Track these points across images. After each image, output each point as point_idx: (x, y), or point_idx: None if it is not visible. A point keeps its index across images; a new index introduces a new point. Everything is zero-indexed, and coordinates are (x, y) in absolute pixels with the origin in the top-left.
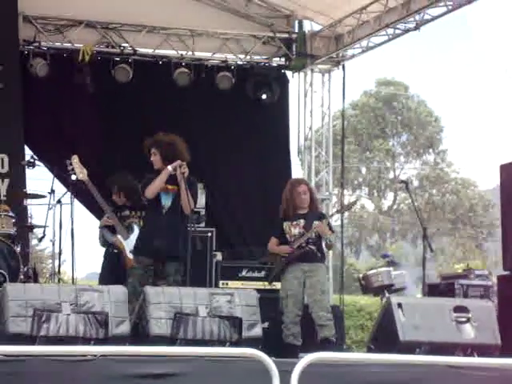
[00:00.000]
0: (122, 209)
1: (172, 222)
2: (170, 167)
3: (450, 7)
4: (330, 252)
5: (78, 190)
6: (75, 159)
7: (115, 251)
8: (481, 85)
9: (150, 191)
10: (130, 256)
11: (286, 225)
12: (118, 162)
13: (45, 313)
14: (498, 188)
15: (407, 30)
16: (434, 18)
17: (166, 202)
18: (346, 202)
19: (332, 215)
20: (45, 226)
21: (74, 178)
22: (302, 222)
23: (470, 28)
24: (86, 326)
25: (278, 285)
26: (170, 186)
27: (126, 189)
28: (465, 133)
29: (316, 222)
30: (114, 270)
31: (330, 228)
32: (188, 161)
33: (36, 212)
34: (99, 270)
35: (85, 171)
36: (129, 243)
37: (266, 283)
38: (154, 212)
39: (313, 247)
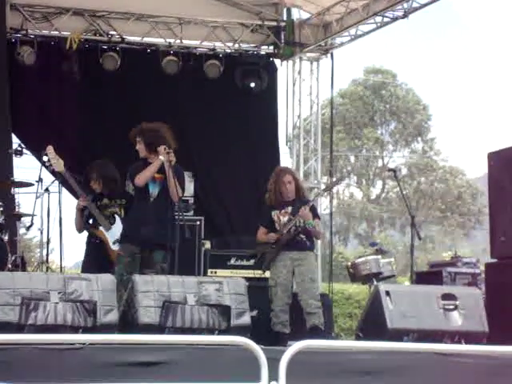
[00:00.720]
0: (101, 198)
1: (159, 211)
2: (161, 157)
3: None
4: (319, 240)
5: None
6: (50, 150)
7: (97, 242)
8: (469, 72)
9: (142, 180)
10: (114, 247)
11: (274, 213)
12: (105, 150)
13: (33, 301)
14: (485, 176)
15: (395, 18)
16: (422, 6)
17: (153, 190)
18: (334, 189)
19: (319, 194)
20: (33, 215)
21: (50, 169)
22: (289, 208)
23: (458, 15)
24: (74, 314)
25: (266, 273)
26: (156, 175)
27: (104, 177)
28: (453, 121)
29: (303, 208)
30: (97, 260)
31: (316, 214)
32: (175, 148)
33: (24, 200)
34: None
35: (61, 161)
36: (111, 234)
37: (255, 271)
38: (140, 200)
39: (302, 236)
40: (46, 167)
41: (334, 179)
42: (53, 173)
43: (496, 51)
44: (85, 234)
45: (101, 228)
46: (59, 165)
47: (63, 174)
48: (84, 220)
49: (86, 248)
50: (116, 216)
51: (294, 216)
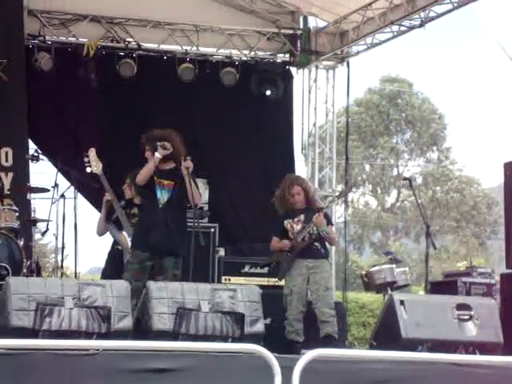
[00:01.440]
0: (132, 206)
1: (169, 217)
2: (157, 153)
3: (455, 4)
4: (333, 249)
5: (81, 185)
6: (92, 152)
7: (119, 248)
8: (485, 82)
9: (141, 176)
10: None
11: (287, 223)
12: (121, 157)
13: (47, 307)
14: (501, 186)
15: (412, 27)
16: (439, 16)
17: (162, 196)
18: (349, 199)
19: (333, 200)
20: (48, 220)
21: (88, 170)
22: (302, 216)
23: (476, 25)
24: (88, 320)
25: (280, 281)
26: (165, 182)
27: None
28: (468, 130)
29: (316, 215)
30: (117, 267)
31: (329, 221)
32: (183, 155)
33: (39, 206)
34: (102, 265)
35: (100, 165)
36: None
37: (270, 279)
38: (149, 206)
39: (317, 243)
40: (63, 172)
41: (349, 185)
42: (69, 178)
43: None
44: (102, 239)
45: (124, 233)
46: (98, 167)
47: (100, 176)
48: (109, 222)
49: (107, 256)
50: None
51: (307, 224)
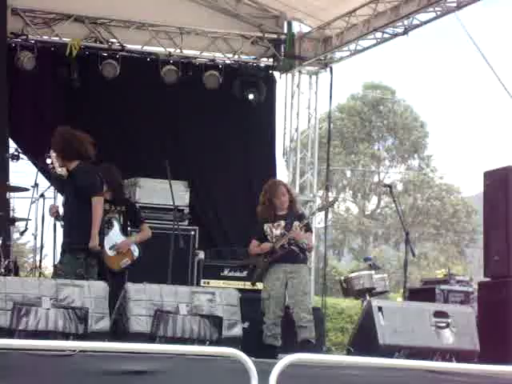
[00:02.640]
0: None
1: (68, 214)
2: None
3: (438, 13)
4: (313, 254)
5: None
6: (54, 153)
7: None
8: (467, 91)
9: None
10: (110, 253)
11: (266, 226)
12: (103, 157)
13: (24, 307)
14: (480, 195)
15: (395, 35)
16: (422, 24)
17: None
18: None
19: (313, 213)
20: (27, 220)
21: (59, 171)
22: (282, 222)
23: (459, 33)
24: (65, 320)
25: (259, 285)
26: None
27: (108, 181)
28: (450, 139)
29: (296, 223)
30: None
31: (309, 229)
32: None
33: (19, 205)
34: None
35: (65, 167)
36: (108, 239)
37: (248, 283)
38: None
39: (295, 248)
40: (43, 172)
41: (330, 199)
42: (49, 177)
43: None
44: None
45: None
46: (62, 168)
47: (65, 177)
48: None
49: None
50: (114, 221)
51: (287, 231)
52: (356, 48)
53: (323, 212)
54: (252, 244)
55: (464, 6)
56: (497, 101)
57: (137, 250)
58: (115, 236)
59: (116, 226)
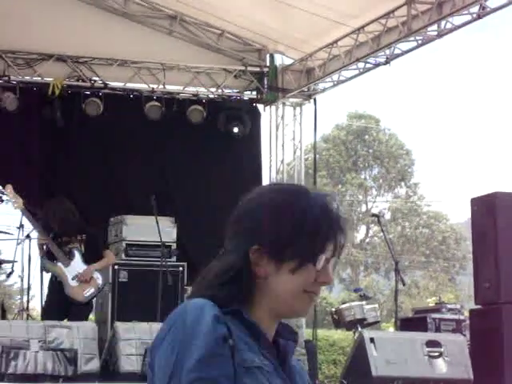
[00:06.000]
0: (61, 234)
1: None
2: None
3: (419, 42)
4: None
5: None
6: (9, 189)
7: (58, 280)
8: (452, 118)
9: None
10: (73, 283)
11: None
12: (90, 197)
13: (13, 350)
14: (469, 221)
15: (378, 64)
16: (404, 53)
17: None
18: None
19: None
20: (13, 262)
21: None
22: None
23: (441, 61)
24: (54, 363)
25: None
26: None
27: (59, 217)
28: (436, 166)
29: None
30: (58, 299)
31: None
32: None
33: (4, 247)
34: None
35: (20, 200)
36: (70, 270)
37: None
38: None
39: None
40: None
41: None
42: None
43: (479, 96)
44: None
45: (59, 264)
46: (19, 203)
47: (22, 211)
48: (42, 256)
49: (47, 289)
50: (75, 251)
51: None
52: (339, 78)
53: None
54: None
55: (445, 35)
56: (482, 127)
57: (100, 277)
58: (77, 266)
59: (77, 256)
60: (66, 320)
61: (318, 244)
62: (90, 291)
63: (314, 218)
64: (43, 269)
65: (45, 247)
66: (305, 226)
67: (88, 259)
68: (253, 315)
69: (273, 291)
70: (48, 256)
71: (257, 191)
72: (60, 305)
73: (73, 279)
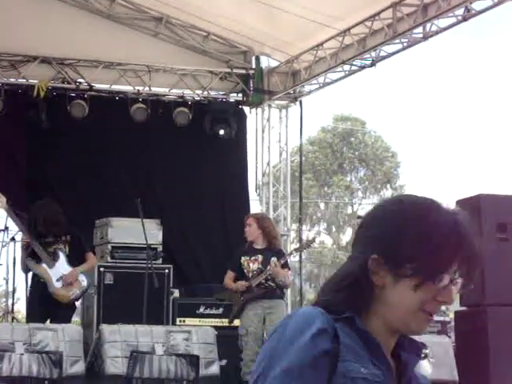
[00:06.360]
0: (46, 235)
1: None
2: None
3: (405, 44)
4: (289, 288)
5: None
6: None
7: (42, 281)
8: (436, 120)
9: None
10: (57, 284)
11: (243, 259)
12: (75, 199)
13: None
14: None
15: (363, 67)
16: (389, 55)
17: None
18: (304, 237)
19: (290, 253)
20: None
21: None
22: (260, 257)
23: (427, 63)
24: (39, 365)
25: (236, 321)
26: None
27: (46, 219)
28: (421, 168)
29: (273, 259)
30: (41, 300)
31: (286, 265)
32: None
33: None
34: None
35: (3, 199)
36: (54, 271)
37: (224, 320)
38: None
39: (272, 284)
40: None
41: (309, 239)
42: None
43: (465, 98)
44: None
45: (43, 265)
46: (2, 202)
47: (5, 211)
48: (27, 256)
49: (29, 290)
50: (60, 252)
51: (264, 267)
52: (325, 81)
53: (298, 245)
54: (227, 275)
55: (430, 37)
56: (467, 129)
57: (85, 279)
58: (61, 267)
59: (62, 258)
60: (48, 321)
61: (442, 262)
62: (74, 293)
63: (442, 235)
64: (25, 268)
65: (29, 250)
66: (431, 242)
67: (72, 261)
68: (368, 324)
69: (389, 304)
70: (32, 256)
71: (388, 199)
72: (42, 306)
73: (57, 280)
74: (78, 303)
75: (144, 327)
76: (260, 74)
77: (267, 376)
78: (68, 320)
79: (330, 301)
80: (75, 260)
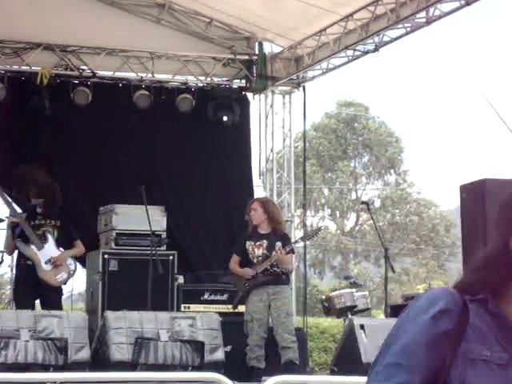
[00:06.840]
0: (34, 216)
1: None
2: None
3: (408, 29)
4: (294, 273)
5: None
6: None
7: (28, 263)
8: (440, 105)
9: None
10: (46, 267)
11: (248, 244)
12: (78, 187)
13: (3, 340)
14: (458, 208)
15: (366, 52)
16: (392, 40)
17: None
18: (308, 222)
19: (296, 242)
20: (3, 252)
21: None
22: (265, 242)
23: (430, 49)
24: (44, 352)
25: (240, 307)
26: None
27: (37, 184)
28: (425, 153)
29: (278, 243)
30: (28, 282)
31: (291, 249)
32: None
33: None
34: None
35: None
36: (43, 253)
37: (229, 306)
38: None
39: (277, 269)
40: (18, 202)
41: (315, 228)
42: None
43: (468, 83)
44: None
45: (32, 247)
46: None
47: None
48: (15, 237)
49: (15, 272)
50: (48, 235)
51: (269, 252)
52: (328, 66)
53: (302, 231)
54: (233, 259)
55: (433, 22)
56: (471, 114)
57: (73, 263)
58: (50, 250)
59: (50, 240)
60: (39, 302)
61: None
62: (62, 276)
63: None
64: (10, 249)
65: (18, 231)
66: None
67: (60, 246)
68: (506, 307)
69: None
70: (21, 239)
71: None
72: (30, 288)
73: (46, 263)
74: (82, 290)
75: (149, 314)
76: (263, 59)
77: (387, 352)
78: (58, 304)
79: (465, 282)
80: (63, 247)
